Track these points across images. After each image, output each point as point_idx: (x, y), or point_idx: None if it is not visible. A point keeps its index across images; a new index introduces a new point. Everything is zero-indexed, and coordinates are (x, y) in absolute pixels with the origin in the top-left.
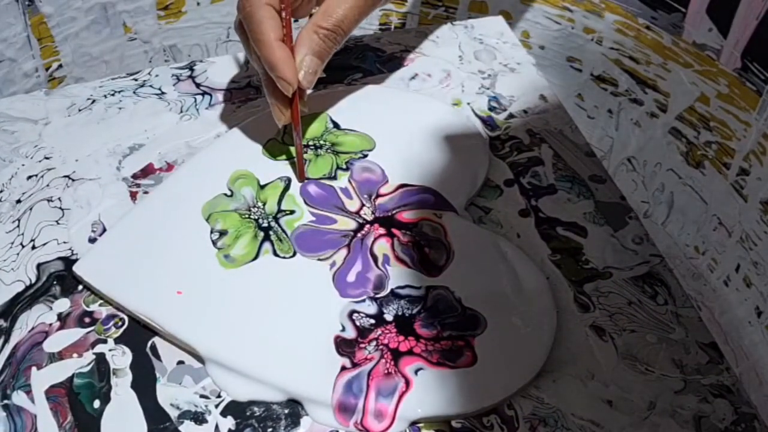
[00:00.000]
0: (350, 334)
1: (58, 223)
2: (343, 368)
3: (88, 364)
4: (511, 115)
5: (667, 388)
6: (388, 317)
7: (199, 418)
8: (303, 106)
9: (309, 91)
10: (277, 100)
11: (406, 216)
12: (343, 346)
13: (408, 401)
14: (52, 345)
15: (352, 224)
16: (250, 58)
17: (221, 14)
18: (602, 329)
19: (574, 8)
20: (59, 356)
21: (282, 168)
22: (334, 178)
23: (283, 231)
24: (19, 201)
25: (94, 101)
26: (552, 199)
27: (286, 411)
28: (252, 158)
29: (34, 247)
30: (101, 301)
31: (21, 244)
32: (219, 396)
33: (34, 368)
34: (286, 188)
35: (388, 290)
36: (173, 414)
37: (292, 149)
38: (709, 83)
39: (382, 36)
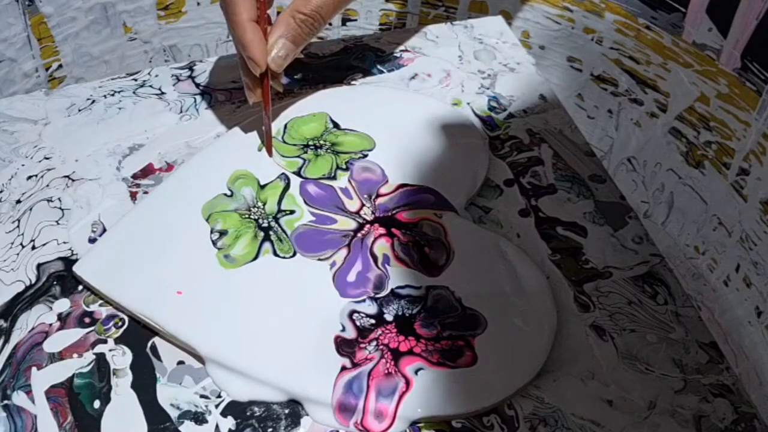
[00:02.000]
0: (350, 334)
1: (58, 223)
2: (343, 368)
3: (88, 364)
4: (510, 115)
5: (667, 387)
6: (389, 317)
7: (199, 418)
8: (278, 87)
9: (285, 81)
10: (248, 79)
11: (406, 216)
12: (344, 346)
13: (408, 401)
14: (52, 345)
15: (352, 224)
16: (232, 38)
17: (221, 14)
18: (602, 329)
19: (574, 8)
20: (59, 356)
21: (282, 168)
22: (334, 178)
23: (283, 231)
24: (19, 201)
25: (93, 101)
26: (552, 198)
27: (286, 411)
28: (252, 158)
29: (34, 248)
30: (101, 301)
31: (21, 244)
32: (219, 396)
33: (34, 368)
34: (286, 188)
35: (388, 290)
36: (173, 414)
37: (293, 149)
38: (709, 83)
39: (382, 36)
